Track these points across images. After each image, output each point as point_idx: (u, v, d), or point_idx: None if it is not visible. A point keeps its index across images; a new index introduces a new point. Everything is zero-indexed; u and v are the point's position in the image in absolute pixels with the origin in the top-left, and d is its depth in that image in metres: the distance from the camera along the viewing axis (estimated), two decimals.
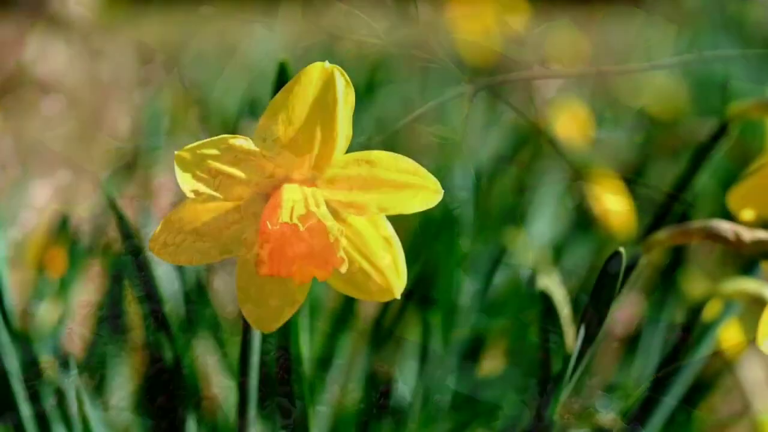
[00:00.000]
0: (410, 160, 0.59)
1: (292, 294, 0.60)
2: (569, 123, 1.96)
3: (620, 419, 0.93)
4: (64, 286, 1.12)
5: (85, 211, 1.52)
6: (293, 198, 0.57)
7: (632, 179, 1.63)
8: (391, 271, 0.60)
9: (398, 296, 0.61)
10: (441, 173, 1.55)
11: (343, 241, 0.56)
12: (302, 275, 0.58)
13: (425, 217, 1.36)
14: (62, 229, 1.16)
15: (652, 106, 2.51)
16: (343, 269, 0.57)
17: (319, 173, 0.59)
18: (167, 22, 4.23)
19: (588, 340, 0.68)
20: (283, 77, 0.69)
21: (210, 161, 0.57)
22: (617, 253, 0.66)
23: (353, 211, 0.59)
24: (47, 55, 2.47)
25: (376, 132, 2.26)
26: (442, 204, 1.30)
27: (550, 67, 3.41)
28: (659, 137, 2.31)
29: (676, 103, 2.51)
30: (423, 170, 0.59)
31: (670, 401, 0.87)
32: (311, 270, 0.57)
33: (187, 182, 0.57)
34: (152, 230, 1.06)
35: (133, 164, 1.55)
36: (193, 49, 3.07)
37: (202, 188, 0.57)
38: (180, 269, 1.07)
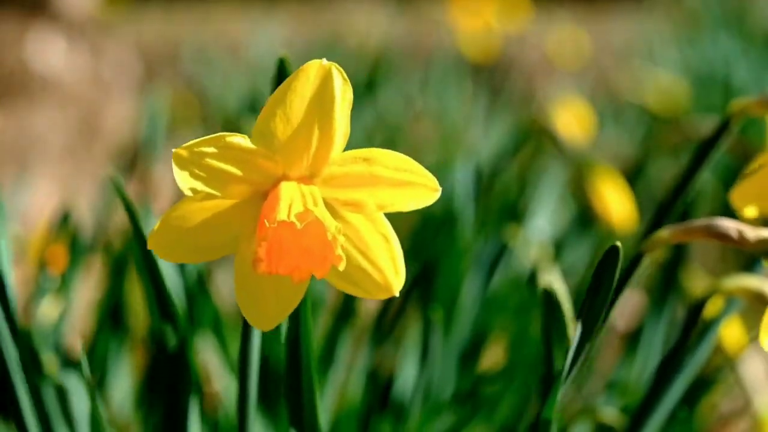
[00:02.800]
0: (408, 158, 0.58)
1: (290, 292, 0.60)
2: (570, 119, 1.96)
3: (622, 415, 0.93)
4: (65, 282, 1.12)
5: (86, 207, 1.52)
6: (291, 196, 0.57)
7: (633, 176, 1.63)
8: (389, 268, 0.60)
9: (397, 294, 0.60)
10: (442, 169, 1.55)
11: (341, 239, 0.56)
12: (300, 273, 0.58)
13: (426, 213, 1.36)
14: (63, 225, 1.16)
15: (653, 103, 2.51)
16: (341, 267, 0.56)
17: (316, 171, 0.59)
18: (167, 18, 4.23)
19: (586, 338, 0.68)
20: (282, 73, 0.68)
21: (207, 159, 0.56)
22: (614, 248, 0.65)
23: (351, 209, 0.59)
24: (47, 52, 2.47)
25: (377, 127, 2.26)
26: (444, 200, 1.31)
27: (551, 64, 3.41)
28: (660, 134, 2.31)
29: (677, 100, 2.51)
30: (421, 168, 0.58)
31: (671, 398, 0.87)
32: (309, 267, 0.57)
33: (184, 180, 0.56)
34: (151, 225, 1.06)
35: (133, 161, 1.55)
36: (193, 45, 3.06)
37: (199, 186, 0.57)
38: (181, 265, 1.07)
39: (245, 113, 2.04)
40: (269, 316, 0.61)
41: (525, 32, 3.49)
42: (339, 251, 0.56)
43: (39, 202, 1.85)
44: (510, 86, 2.83)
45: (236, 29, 3.80)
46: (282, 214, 0.56)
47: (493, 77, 2.89)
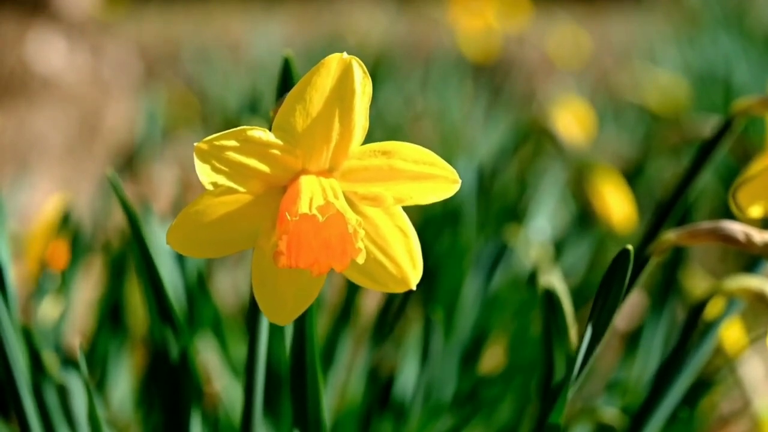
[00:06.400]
0: (427, 151, 0.58)
1: (308, 286, 0.60)
2: (570, 119, 1.96)
3: (622, 416, 0.93)
4: (65, 281, 1.12)
5: (86, 206, 1.52)
6: (311, 189, 0.57)
7: (633, 175, 1.63)
8: (406, 262, 0.60)
9: (413, 287, 0.60)
10: None
11: (361, 232, 0.56)
12: (320, 266, 0.58)
13: (428, 213, 1.36)
14: (64, 224, 1.16)
15: (653, 103, 2.51)
16: (361, 260, 0.57)
17: (336, 165, 0.59)
18: (167, 18, 4.23)
19: (595, 342, 0.67)
20: (288, 71, 0.68)
21: (228, 152, 0.57)
22: (624, 252, 0.65)
23: (369, 203, 0.59)
24: (48, 52, 2.47)
25: (377, 127, 2.26)
26: (444, 200, 1.30)
27: (551, 64, 3.41)
28: (660, 133, 2.31)
29: (677, 100, 2.51)
30: (440, 160, 0.58)
31: (672, 398, 0.87)
32: (329, 261, 0.58)
33: (205, 174, 0.57)
34: (152, 225, 1.06)
35: (133, 160, 1.55)
36: (193, 45, 3.06)
37: (220, 180, 0.57)
38: (181, 265, 1.07)
39: (245, 113, 2.04)
40: (287, 310, 0.61)
41: (525, 32, 3.49)
42: (359, 244, 0.56)
43: (39, 201, 1.85)
44: (510, 86, 2.82)
45: (236, 29, 3.80)
46: (304, 207, 0.56)
47: (493, 77, 2.89)
